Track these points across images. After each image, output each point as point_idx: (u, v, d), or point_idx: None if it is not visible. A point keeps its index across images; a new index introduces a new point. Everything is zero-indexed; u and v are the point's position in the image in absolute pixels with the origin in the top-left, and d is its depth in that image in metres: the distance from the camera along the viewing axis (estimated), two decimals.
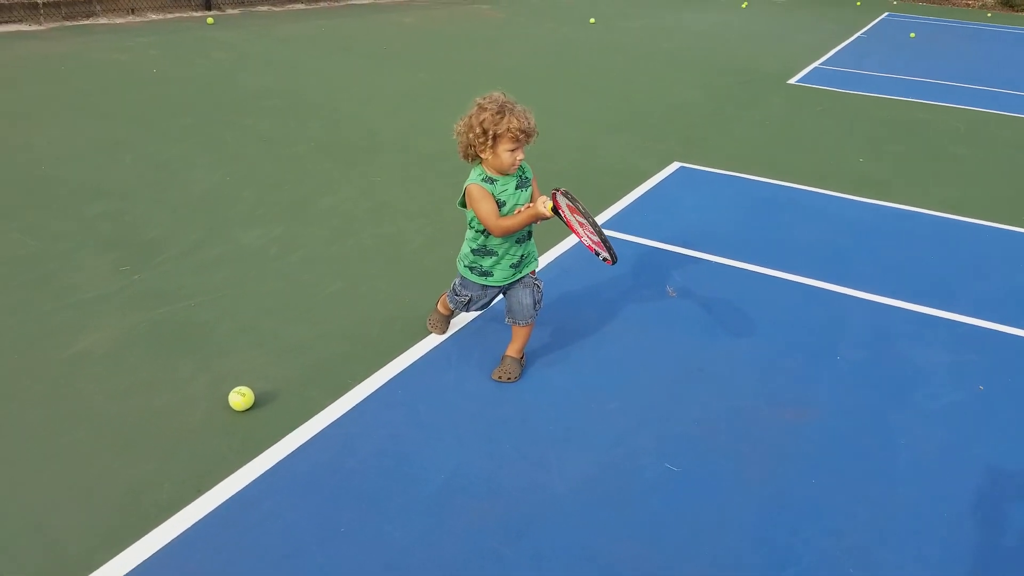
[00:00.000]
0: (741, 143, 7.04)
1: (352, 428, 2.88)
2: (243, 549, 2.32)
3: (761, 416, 3.10)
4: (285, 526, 2.41)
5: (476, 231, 3.06)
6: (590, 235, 2.79)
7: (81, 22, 11.00)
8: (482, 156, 2.90)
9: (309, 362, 3.25)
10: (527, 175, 3.03)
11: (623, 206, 5.25)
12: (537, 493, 2.62)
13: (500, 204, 2.93)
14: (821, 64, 11.36)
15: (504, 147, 2.83)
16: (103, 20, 11.29)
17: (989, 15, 21.50)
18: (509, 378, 3.21)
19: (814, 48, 12.79)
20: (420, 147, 6.26)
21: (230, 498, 2.50)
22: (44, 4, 10.64)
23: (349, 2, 15.11)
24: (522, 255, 3.13)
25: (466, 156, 2.97)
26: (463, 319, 3.64)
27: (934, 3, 23.45)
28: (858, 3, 21.48)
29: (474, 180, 2.94)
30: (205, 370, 3.16)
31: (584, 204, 2.71)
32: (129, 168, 5.37)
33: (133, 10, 11.81)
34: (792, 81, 9.97)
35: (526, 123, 2.82)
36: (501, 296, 3.26)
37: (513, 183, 2.97)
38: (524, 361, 3.30)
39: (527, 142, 2.88)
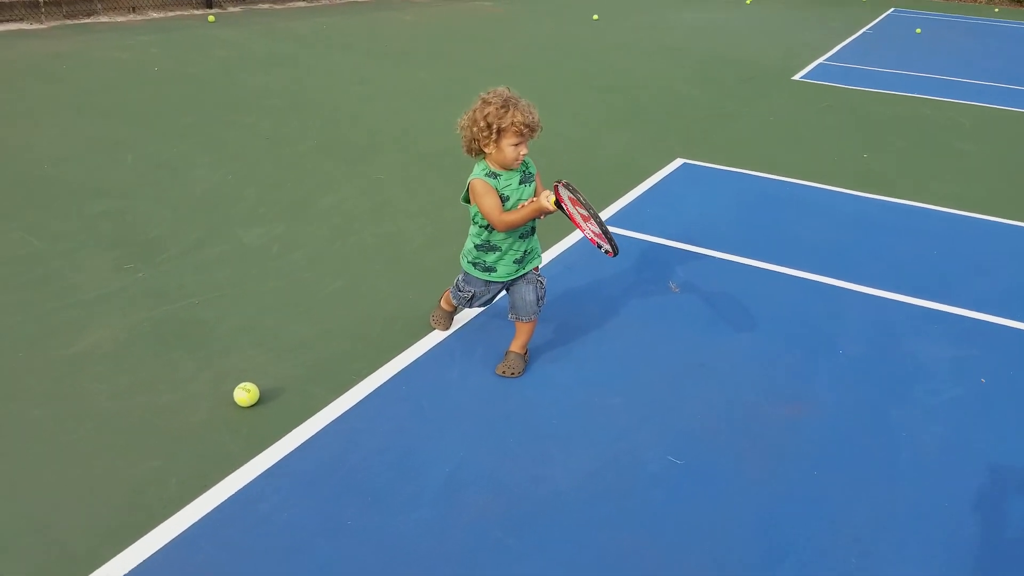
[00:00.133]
0: (744, 139, 7.02)
1: (356, 424, 2.87)
2: (248, 545, 2.32)
3: (762, 411, 3.10)
4: (290, 521, 2.41)
5: (480, 226, 3.06)
6: (591, 227, 2.79)
7: (82, 20, 11.01)
8: (486, 151, 2.89)
9: (311, 360, 3.25)
10: (531, 170, 3.02)
11: (626, 202, 5.25)
12: (541, 487, 2.62)
13: (504, 199, 2.92)
14: (826, 60, 11.33)
15: (508, 141, 2.82)
16: (104, 18, 11.29)
17: (997, 10, 21.40)
18: (513, 373, 3.20)
19: (819, 44, 12.75)
20: (421, 146, 6.25)
21: (234, 494, 2.50)
22: (45, 3, 10.65)
23: None
24: (525, 251, 3.12)
25: (470, 151, 2.96)
26: (466, 315, 3.64)
27: None
28: None
29: (477, 175, 2.93)
30: (207, 368, 3.16)
31: (586, 196, 2.70)
32: (130, 167, 5.37)
33: (134, 8, 11.81)
34: (796, 77, 9.94)
35: (530, 117, 2.82)
36: (504, 292, 3.26)
37: (517, 178, 2.96)
38: (528, 357, 3.30)
39: (531, 137, 2.87)
